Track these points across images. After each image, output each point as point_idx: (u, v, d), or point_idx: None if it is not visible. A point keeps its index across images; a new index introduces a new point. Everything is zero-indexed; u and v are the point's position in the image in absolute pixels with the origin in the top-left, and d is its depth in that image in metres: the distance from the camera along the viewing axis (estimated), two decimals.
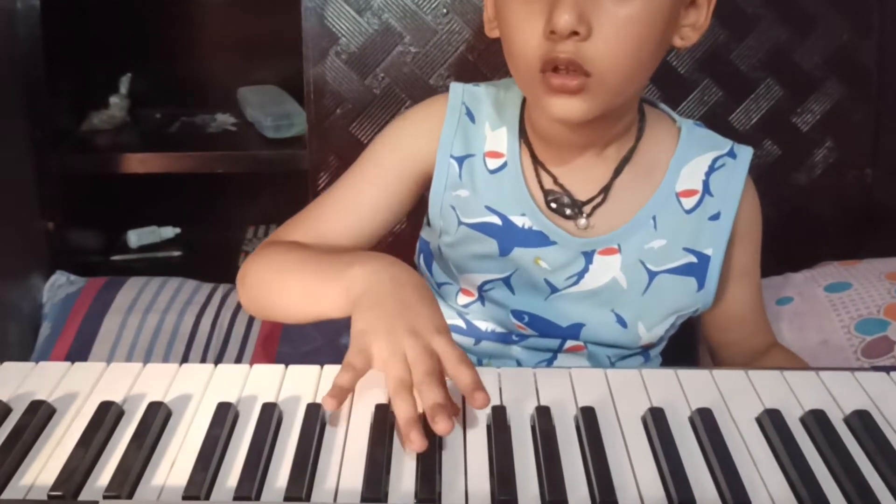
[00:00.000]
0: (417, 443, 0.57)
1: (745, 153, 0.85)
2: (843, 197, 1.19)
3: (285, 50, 1.22)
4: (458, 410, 0.62)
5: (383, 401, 0.63)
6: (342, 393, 0.62)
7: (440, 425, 0.58)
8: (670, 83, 1.13)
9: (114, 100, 1.47)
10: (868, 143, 1.18)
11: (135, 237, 1.59)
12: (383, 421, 0.60)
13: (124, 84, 1.49)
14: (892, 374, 0.69)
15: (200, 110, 1.53)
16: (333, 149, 1.15)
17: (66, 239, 1.38)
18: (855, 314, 1.01)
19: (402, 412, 0.60)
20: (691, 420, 0.63)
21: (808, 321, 1.03)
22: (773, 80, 1.14)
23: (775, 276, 1.11)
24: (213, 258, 1.56)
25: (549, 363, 0.88)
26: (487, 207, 0.83)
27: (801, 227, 1.17)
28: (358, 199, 0.86)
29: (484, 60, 1.12)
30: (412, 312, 0.66)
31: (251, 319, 1.17)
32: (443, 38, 1.12)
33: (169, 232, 1.62)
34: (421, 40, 1.12)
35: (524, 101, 0.84)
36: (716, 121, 1.14)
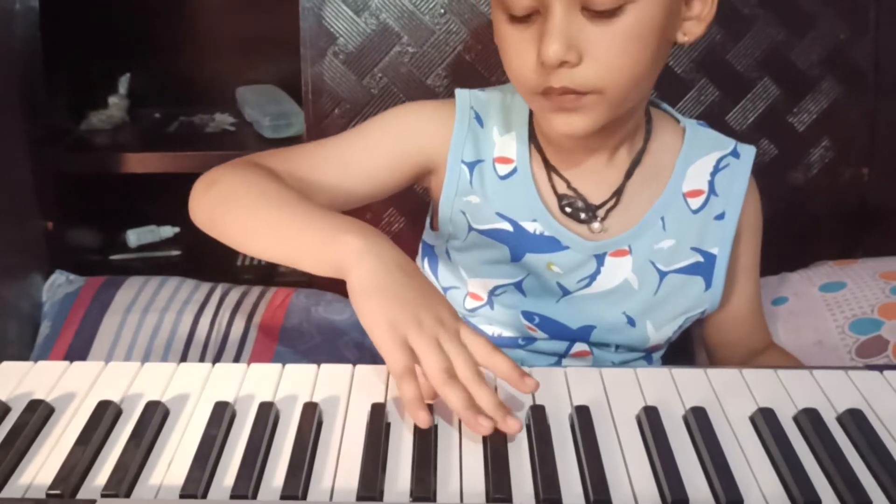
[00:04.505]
0: (488, 426, 0.58)
1: (749, 152, 0.86)
2: (840, 196, 1.19)
3: (283, 50, 1.22)
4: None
5: (379, 399, 0.64)
6: (420, 402, 0.60)
7: (512, 421, 0.59)
8: (667, 83, 1.13)
9: (113, 99, 1.48)
10: (864, 142, 1.18)
11: (134, 236, 1.59)
12: (379, 419, 0.61)
13: (123, 84, 1.49)
14: (886, 373, 0.69)
15: (199, 110, 1.53)
16: None
17: (66, 238, 1.38)
18: (849, 314, 1.01)
19: (458, 401, 0.59)
20: (685, 419, 0.63)
21: (803, 321, 1.03)
22: (770, 80, 1.15)
23: (771, 275, 1.11)
24: (211, 257, 1.54)
25: None
26: (499, 214, 0.83)
27: (797, 226, 1.17)
28: (351, 157, 0.83)
29: (481, 60, 1.12)
30: (430, 301, 0.65)
31: (250, 319, 1.17)
32: (440, 38, 1.12)
33: (168, 231, 1.62)
34: (418, 40, 1.12)
35: None
36: (713, 120, 1.12)
